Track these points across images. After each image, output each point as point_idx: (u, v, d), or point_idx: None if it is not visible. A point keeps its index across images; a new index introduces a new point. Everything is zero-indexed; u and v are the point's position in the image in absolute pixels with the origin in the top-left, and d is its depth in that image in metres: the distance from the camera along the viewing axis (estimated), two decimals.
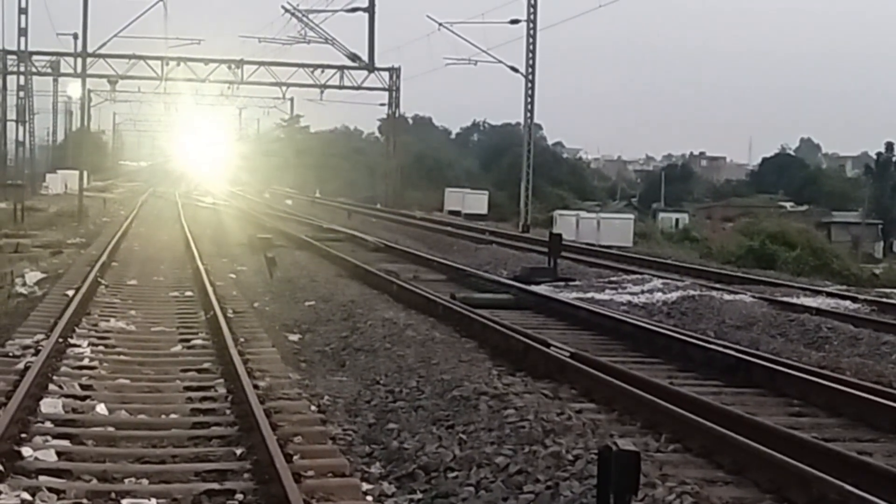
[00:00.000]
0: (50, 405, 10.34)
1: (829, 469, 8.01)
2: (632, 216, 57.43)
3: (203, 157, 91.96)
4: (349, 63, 56.55)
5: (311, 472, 8.32)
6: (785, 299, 20.65)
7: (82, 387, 11.37)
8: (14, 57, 57.76)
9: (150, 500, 7.79)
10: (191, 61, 57.35)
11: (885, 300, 21.90)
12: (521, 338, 13.87)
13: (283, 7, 44.85)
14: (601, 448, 6.44)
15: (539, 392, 11.36)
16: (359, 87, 59.71)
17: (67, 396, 10.84)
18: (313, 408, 10.84)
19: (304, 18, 44.67)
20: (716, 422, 9.47)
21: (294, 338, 15.57)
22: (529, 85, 44.78)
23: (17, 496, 7.69)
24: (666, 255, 36.66)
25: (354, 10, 39.45)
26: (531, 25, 44.12)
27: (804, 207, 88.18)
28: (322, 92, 60.21)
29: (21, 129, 63.40)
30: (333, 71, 57.94)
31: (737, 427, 9.32)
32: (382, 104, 63.38)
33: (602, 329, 16.23)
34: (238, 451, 9.08)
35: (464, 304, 17.36)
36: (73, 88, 64.38)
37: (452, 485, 8.39)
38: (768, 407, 11.31)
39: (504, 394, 11.26)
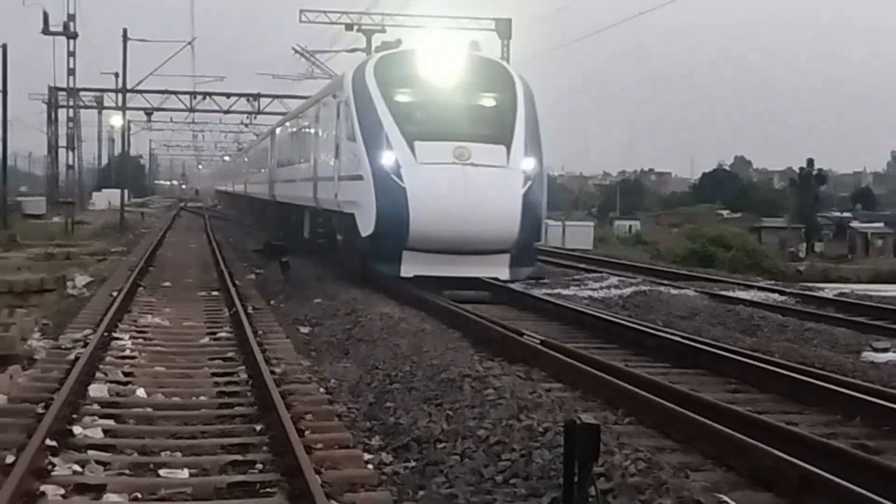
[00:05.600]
0: (97, 390, 10.32)
1: (763, 438, 8.02)
2: (592, 223, 57.42)
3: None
4: None
5: (320, 445, 8.31)
6: (723, 293, 20.72)
7: (124, 374, 11.36)
8: (64, 93, 57.65)
9: (183, 470, 7.77)
10: (215, 95, 57.26)
11: (807, 293, 21.95)
12: (499, 328, 13.88)
13: (293, 48, 44.70)
14: (567, 422, 6.43)
15: (514, 374, 11.36)
16: None
17: (112, 382, 10.82)
18: (322, 390, 10.83)
19: (312, 58, 44.53)
20: (666, 398, 9.48)
21: (305, 330, 15.55)
22: None
23: (70, 468, 7.67)
24: (621, 256, 36.71)
25: (353, 50, 39.34)
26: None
27: (738, 214, 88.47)
28: None
29: (71, 154, 63.20)
30: None
31: (684, 403, 9.33)
32: None
33: (568, 320, 16.23)
34: (258, 428, 9.07)
35: (450, 300, 17.35)
36: (115, 119, 64.28)
37: (441, 454, 8.38)
38: (710, 385, 11.31)
39: (484, 376, 11.25)
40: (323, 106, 25.24)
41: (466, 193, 18.34)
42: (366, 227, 19.00)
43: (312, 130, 27.55)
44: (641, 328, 14.22)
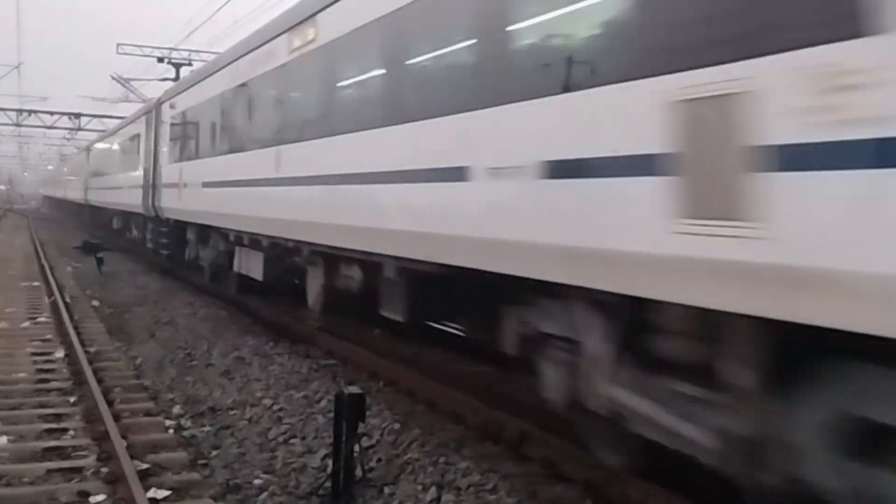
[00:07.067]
0: None
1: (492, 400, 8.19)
2: None
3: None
4: None
5: (127, 413, 7.97)
6: None
7: None
8: None
9: (1, 437, 7.28)
10: (40, 112, 53.99)
11: None
12: (284, 315, 13.68)
13: (111, 76, 42.92)
14: (337, 392, 6.43)
15: (296, 353, 11.25)
16: None
17: None
18: (130, 367, 10.38)
19: (127, 85, 42.77)
20: (420, 371, 9.57)
21: (117, 316, 14.85)
22: None
23: None
24: None
25: (165, 79, 38.15)
26: None
27: None
28: None
29: None
30: None
31: (432, 374, 9.44)
32: None
33: None
34: (72, 400, 8.60)
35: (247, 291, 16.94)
36: None
37: (233, 419, 8.21)
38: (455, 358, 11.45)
39: (271, 354, 11.12)
40: None
41: None
42: None
43: None
44: None
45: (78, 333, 11.54)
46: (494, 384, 9.52)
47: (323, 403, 8.46)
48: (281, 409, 8.42)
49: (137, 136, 23.84)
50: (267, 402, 8.70)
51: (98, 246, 25.84)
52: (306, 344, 11.89)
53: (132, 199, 23.55)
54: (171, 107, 18.37)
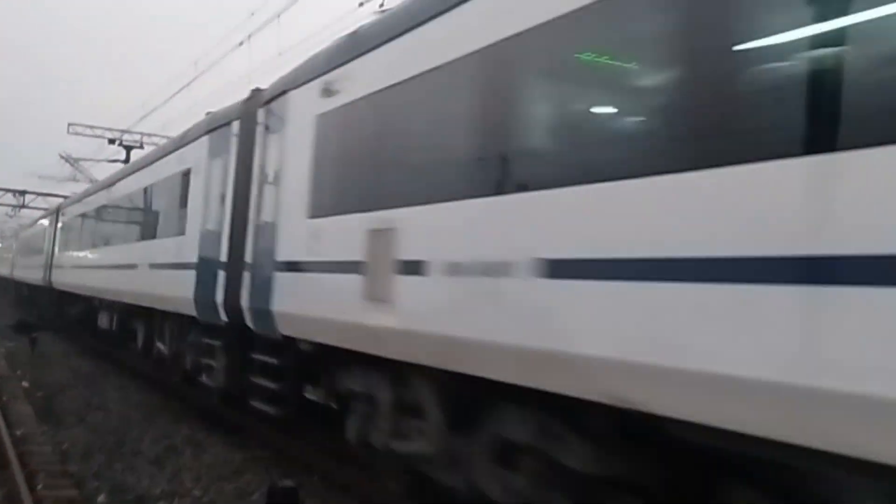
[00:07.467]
0: None
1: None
2: None
3: None
4: None
5: (50, 501, 7.68)
6: None
7: None
8: None
9: None
10: None
11: None
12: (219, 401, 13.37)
13: (59, 155, 42.75)
14: (270, 485, 6.27)
15: (230, 442, 10.98)
16: None
17: None
18: (57, 452, 10.04)
19: (75, 164, 42.56)
20: (354, 466, 9.38)
21: (46, 398, 14.41)
22: None
23: None
24: None
25: (114, 160, 38.04)
26: None
27: None
28: None
29: None
30: None
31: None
32: None
33: None
34: None
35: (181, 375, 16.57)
36: None
37: None
38: None
39: (204, 443, 10.86)
40: None
41: None
42: None
43: None
44: None
45: (4, 415, 11.17)
46: (430, 478, 9.38)
47: (255, 496, 8.24)
48: (211, 501, 8.17)
49: (184, 175, 13.44)
50: (197, 492, 8.45)
51: (33, 325, 25.29)
52: (241, 434, 11.62)
53: (158, 288, 14.01)
54: (327, 92, 8.28)
